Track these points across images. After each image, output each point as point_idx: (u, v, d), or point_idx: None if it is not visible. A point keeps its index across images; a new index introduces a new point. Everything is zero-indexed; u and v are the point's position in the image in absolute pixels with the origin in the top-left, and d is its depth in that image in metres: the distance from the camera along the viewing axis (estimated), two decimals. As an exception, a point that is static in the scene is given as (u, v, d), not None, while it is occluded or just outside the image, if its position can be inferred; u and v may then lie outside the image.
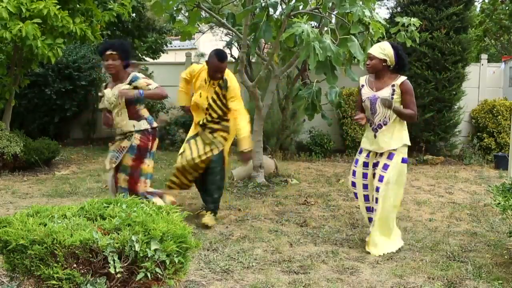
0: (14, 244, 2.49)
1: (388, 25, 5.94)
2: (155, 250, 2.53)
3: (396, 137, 4.07)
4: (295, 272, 3.59)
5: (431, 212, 5.48)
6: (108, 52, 4.06)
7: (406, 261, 3.86)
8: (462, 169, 8.43)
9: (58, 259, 2.46)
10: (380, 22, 5.24)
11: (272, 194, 6.16)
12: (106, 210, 2.84)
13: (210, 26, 11.21)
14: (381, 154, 4.10)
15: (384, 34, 5.40)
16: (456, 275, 3.55)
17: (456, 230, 4.78)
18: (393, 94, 4.03)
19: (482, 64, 10.20)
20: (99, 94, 4.34)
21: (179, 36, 6.77)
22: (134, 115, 4.13)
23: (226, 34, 12.39)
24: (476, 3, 11.73)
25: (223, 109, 4.82)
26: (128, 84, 4.09)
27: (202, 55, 14.04)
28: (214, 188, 4.86)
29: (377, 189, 4.03)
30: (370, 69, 4.11)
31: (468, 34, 9.30)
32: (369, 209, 4.27)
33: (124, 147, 4.13)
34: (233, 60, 10.27)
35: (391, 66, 4.08)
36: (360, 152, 4.28)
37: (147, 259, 2.52)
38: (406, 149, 4.13)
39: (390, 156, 4.05)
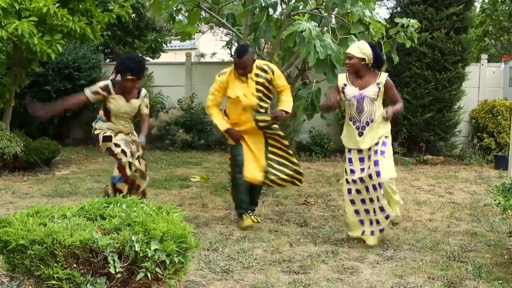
0: (14, 244, 2.49)
1: (388, 25, 5.93)
2: (155, 250, 2.53)
3: (380, 131, 4.22)
4: (295, 272, 3.59)
5: (431, 212, 5.48)
6: (129, 77, 4.38)
7: (406, 261, 3.86)
8: (462, 169, 8.43)
9: (58, 259, 2.46)
10: (380, 22, 5.24)
11: (272, 194, 6.16)
12: (106, 210, 2.84)
13: (210, 26, 11.22)
14: (376, 143, 4.20)
15: (385, 34, 5.40)
16: (456, 275, 3.55)
17: (456, 230, 4.78)
18: (378, 92, 4.19)
19: (482, 64, 10.19)
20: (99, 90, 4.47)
21: (179, 36, 6.76)
22: (133, 121, 4.74)
23: (226, 34, 12.40)
24: (476, 3, 11.73)
25: (269, 96, 4.85)
26: (138, 98, 4.58)
27: (202, 55, 14.04)
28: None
29: (378, 174, 4.11)
30: (350, 69, 4.23)
31: (468, 34, 9.29)
32: (364, 201, 4.27)
33: (135, 140, 4.60)
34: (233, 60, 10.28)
35: (370, 64, 4.20)
36: (350, 151, 4.32)
37: (147, 259, 2.52)
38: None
39: (384, 143, 4.19)
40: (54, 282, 2.43)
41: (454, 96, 9.15)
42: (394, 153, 8.81)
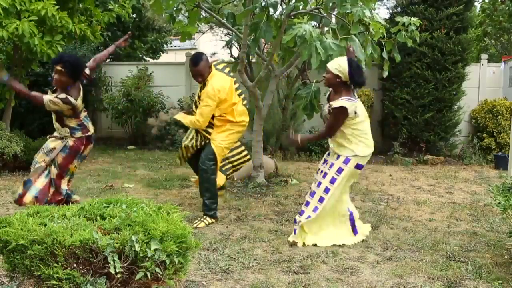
0: (14, 244, 2.49)
1: (388, 25, 5.93)
2: (155, 250, 2.53)
3: (340, 147, 4.22)
4: (295, 272, 3.59)
5: (431, 212, 5.48)
6: (58, 68, 4.35)
7: (406, 261, 3.86)
8: (462, 169, 8.43)
9: (58, 259, 2.46)
10: (380, 23, 5.23)
11: (272, 194, 6.16)
12: (106, 210, 2.84)
13: (210, 26, 11.20)
14: (324, 162, 4.34)
15: (385, 34, 5.40)
16: (456, 275, 3.55)
17: (456, 230, 4.78)
18: (330, 113, 4.19)
19: (482, 64, 10.19)
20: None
21: (179, 36, 6.76)
22: (60, 123, 4.50)
23: (226, 34, 12.38)
24: (476, 3, 11.72)
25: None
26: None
27: (202, 55, 14.00)
28: (203, 189, 4.88)
29: (319, 185, 4.21)
30: (325, 83, 4.28)
31: (468, 34, 9.29)
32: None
33: (54, 147, 4.44)
34: (233, 60, 10.27)
35: (348, 82, 4.16)
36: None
37: (147, 259, 2.52)
38: (355, 158, 4.18)
39: (338, 157, 4.22)
40: (54, 282, 2.43)
41: (454, 96, 9.15)
42: (395, 153, 8.94)
